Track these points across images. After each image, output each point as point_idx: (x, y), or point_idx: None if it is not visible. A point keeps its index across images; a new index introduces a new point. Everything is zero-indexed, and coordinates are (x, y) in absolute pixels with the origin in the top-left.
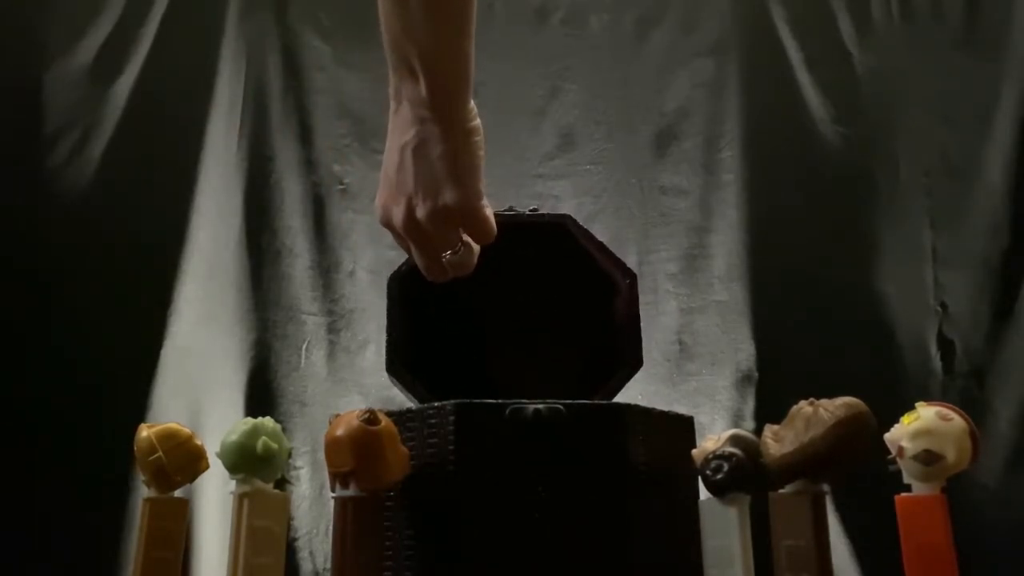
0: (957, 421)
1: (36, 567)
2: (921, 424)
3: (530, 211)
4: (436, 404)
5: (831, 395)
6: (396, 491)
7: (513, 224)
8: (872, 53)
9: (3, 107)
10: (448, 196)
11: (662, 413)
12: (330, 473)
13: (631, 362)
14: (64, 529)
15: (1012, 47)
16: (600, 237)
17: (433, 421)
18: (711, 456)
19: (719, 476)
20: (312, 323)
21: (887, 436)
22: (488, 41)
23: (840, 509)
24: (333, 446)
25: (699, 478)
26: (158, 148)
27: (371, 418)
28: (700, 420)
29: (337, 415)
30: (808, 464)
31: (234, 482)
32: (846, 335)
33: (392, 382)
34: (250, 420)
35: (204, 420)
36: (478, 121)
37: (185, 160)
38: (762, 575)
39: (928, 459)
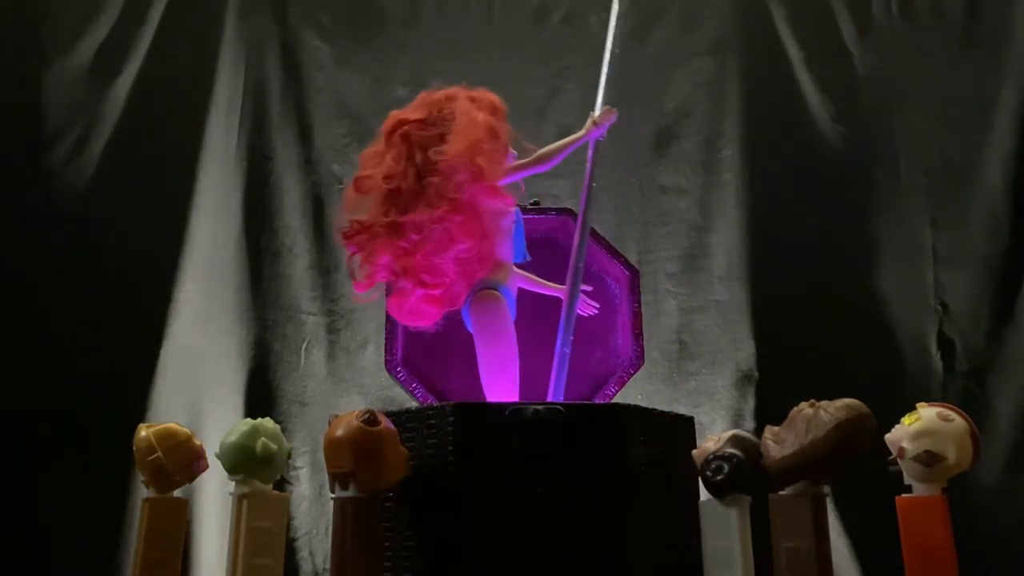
0: (958, 422)
1: (37, 567)
2: (922, 425)
3: (531, 204)
4: (436, 404)
5: (831, 395)
6: (396, 491)
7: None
8: (872, 53)
9: (3, 107)
10: None
11: (662, 413)
12: (329, 474)
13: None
14: (64, 529)
15: (1012, 47)
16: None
17: (433, 421)
18: (711, 457)
19: (719, 477)
20: (312, 323)
21: (888, 437)
22: (488, 41)
23: (840, 509)
24: (332, 447)
25: (699, 478)
26: (158, 148)
27: (371, 419)
28: (700, 420)
29: (336, 415)
30: (809, 466)
31: (233, 483)
32: (846, 335)
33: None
34: (249, 421)
35: (204, 420)
36: None
37: (185, 160)
38: None
39: (929, 460)
